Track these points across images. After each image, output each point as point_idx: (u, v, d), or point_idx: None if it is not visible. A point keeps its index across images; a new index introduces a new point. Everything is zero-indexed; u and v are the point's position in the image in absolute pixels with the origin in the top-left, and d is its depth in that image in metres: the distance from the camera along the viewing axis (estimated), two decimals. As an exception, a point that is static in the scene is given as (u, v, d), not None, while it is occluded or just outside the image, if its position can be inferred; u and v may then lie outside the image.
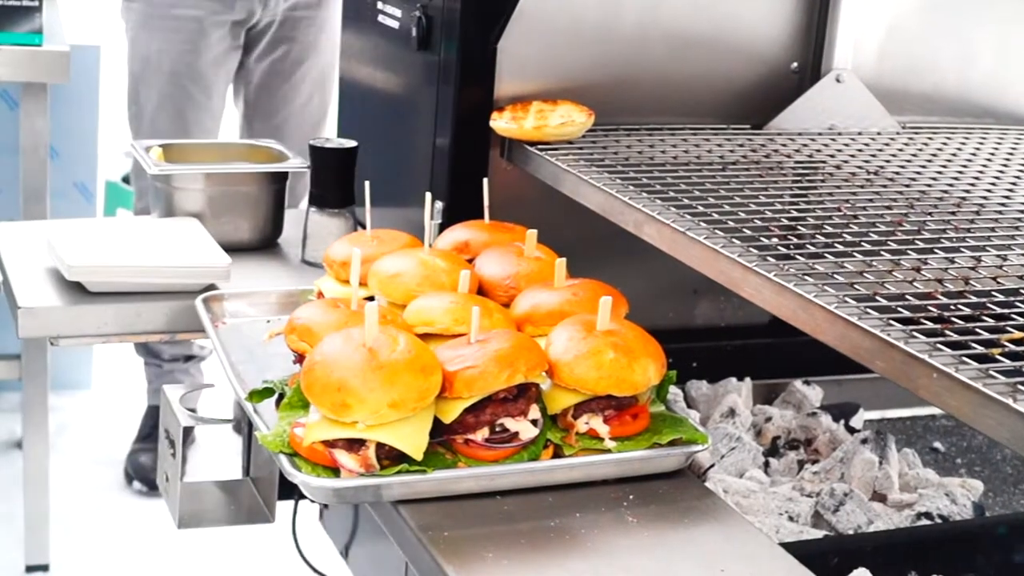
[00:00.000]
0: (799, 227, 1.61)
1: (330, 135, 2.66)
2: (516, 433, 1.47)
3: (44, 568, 3.17)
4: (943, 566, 1.62)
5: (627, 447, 1.50)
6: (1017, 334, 1.27)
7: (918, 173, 1.92)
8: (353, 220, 2.17)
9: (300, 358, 1.57)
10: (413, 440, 1.41)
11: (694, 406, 2.04)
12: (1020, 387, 1.15)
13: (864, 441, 1.86)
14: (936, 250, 1.53)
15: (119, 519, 3.44)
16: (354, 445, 1.40)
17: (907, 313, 1.32)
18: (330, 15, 3.27)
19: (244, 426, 1.83)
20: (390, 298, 1.69)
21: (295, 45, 3.28)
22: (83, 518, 3.46)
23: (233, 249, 2.06)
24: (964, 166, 1.98)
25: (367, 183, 1.88)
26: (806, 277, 1.42)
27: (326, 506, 2.13)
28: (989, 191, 1.84)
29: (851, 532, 1.70)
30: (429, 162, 2.07)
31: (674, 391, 1.96)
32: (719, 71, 2.13)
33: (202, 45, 3.15)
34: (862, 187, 1.83)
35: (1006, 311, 1.34)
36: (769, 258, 1.48)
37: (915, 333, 1.26)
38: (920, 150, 2.07)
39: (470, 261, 1.78)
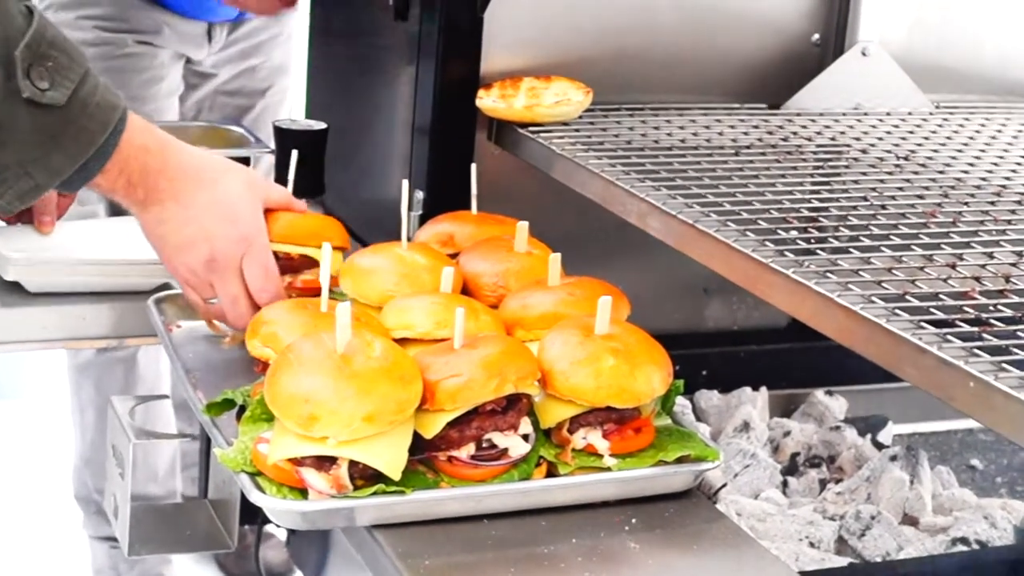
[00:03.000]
0: (820, 218, 1.61)
1: (297, 116, 2.65)
2: (505, 450, 1.47)
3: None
4: (982, 596, 1.63)
5: (629, 465, 1.50)
6: (1063, 338, 1.27)
7: (953, 158, 1.93)
8: (323, 210, 2.17)
9: (264, 366, 1.57)
10: (390, 458, 1.41)
11: (704, 419, 2.04)
12: (1067, 397, 1.15)
13: (893, 458, 1.86)
14: (973, 244, 1.53)
15: (59, 539, 3.44)
16: (324, 463, 1.40)
17: (941, 314, 1.32)
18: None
19: (202, 442, 1.83)
20: (364, 299, 1.69)
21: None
22: (19, 538, 3.46)
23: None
24: (1004, 150, 1.99)
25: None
26: (828, 274, 1.42)
27: (293, 531, 2.13)
28: (1033, 178, 1.84)
29: (879, 559, 1.70)
30: (407, 146, 2.07)
31: (682, 402, 1.96)
32: (732, 44, 2.14)
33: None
34: (891, 174, 1.84)
35: (1051, 312, 1.35)
36: (787, 253, 1.48)
37: (950, 337, 1.27)
38: (955, 132, 2.08)
39: (454, 257, 1.79)
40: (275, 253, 1.75)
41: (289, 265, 1.78)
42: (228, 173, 1.74)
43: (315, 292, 1.79)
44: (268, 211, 1.77)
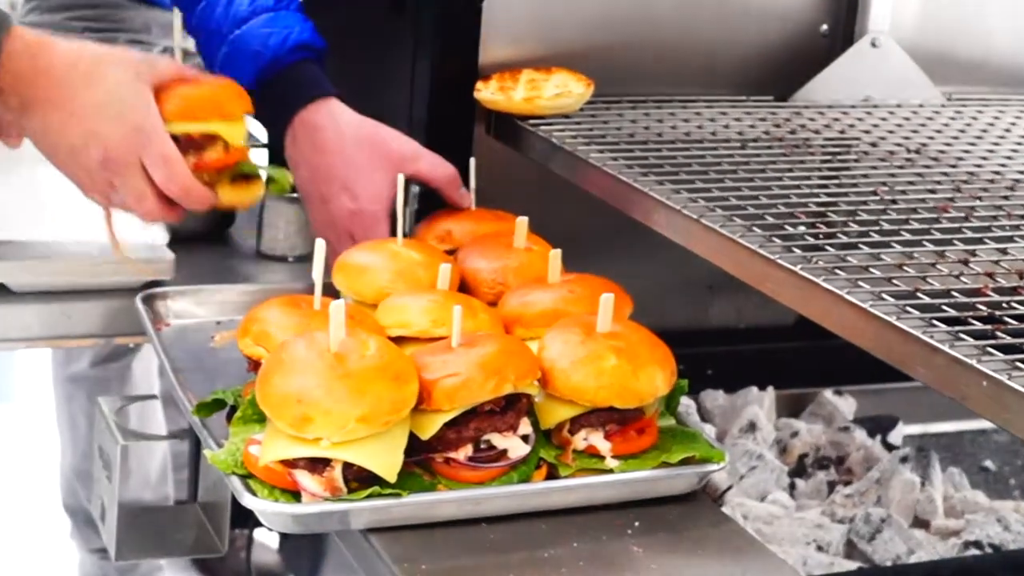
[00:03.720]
0: (829, 213, 1.61)
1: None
2: (504, 451, 1.46)
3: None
4: (995, 602, 1.63)
5: (632, 466, 1.50)
6: (1079, 336, 1.27)
7: (966, 151, 1.93)
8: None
9: (255, 365, 1.57)
10: (385, 459, 1.41)
11: (709, 419, 2.04)
12: (1083, 397, 1.15)
13: (904, 459, 1.86)
14: (986, 240, 1.53)
15: (46, 548, 3.44)
16: (318, 465, 1.40)
17: (953, 312, 1.32)
18: None
19: (191, 444, 1.82)
20: (359, 296, 1.69)
21: None
22: (5, 546, 3.45)
23: (178, 240, 2.06)
24: (1018, 143, 1.99)
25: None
26: (837, 271, 1.42)
27: (286, 535, 2.13)
28: (1047, 172, 1.84)
29: (889, 563, 1.70)
30: (404, 139, 2.07)
31: (686, 402, 1.96)
32: (738, 35, 2.14)
33: None
34: (901, 167, 1.83)
35: (1067, 309, 1.34)
36: (795, 249, 1.48)
37: (962, 335, 1.26)
38: (968, 125, 2.08)
39: (452, 253, 1.78)
40: (175, 135, 1.66)
41: (191, 143, 1.68)
42: (105, 65, 1.64)
43: (224, 168, 1.70)
44: (161, 89, 1.67)
